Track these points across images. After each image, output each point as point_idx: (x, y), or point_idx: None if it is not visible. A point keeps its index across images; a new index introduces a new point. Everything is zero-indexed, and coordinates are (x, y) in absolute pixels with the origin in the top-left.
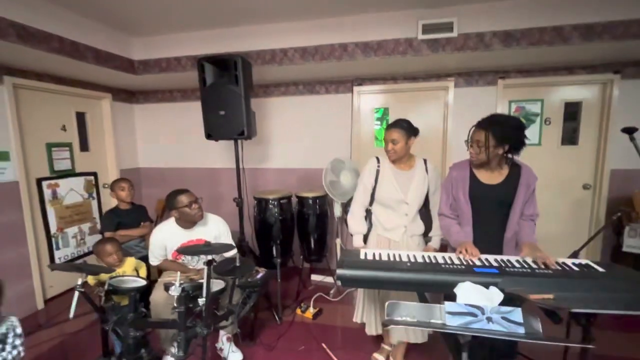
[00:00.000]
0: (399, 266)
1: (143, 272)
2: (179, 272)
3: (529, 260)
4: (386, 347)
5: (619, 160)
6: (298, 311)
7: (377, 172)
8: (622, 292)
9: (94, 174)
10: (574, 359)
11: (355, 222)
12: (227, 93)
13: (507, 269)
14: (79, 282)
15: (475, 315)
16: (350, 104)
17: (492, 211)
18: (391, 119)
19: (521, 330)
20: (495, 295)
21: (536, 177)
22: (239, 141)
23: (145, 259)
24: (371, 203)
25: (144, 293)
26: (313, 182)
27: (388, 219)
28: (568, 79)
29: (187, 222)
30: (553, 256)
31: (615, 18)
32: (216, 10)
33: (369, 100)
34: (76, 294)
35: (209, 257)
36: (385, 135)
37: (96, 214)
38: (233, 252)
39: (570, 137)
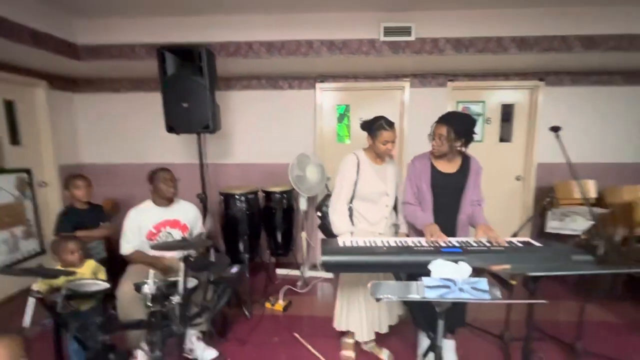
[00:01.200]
0: (376, 250)
1: (102, 276)
2: (151, 271)
3: (484, 239)
4: (349, 340)
5: (544, 155)
6: (268, 305)
7: (358, 167)
8: (557, 260)
9: (28, 171)
10: (512, 326)
11: (342, 221)
12: (190, 85)
13: (469, 248)
14: (34, 287)
15: (449, 287)
16: (313, 100)
17: (448, 197)
18: (352, 116)
19: (487, 296)
20: (464, 269)
21: (481, 166)
22: (202, 135)
23: (104, 261)
24: (351, 200)
25: (106, 296)
26: (277, 177)
27: (371, 213)
28: (504, 83)
29: (161, 199)
30: (501, 236)
31: (543, 33)
32: None
33: (331, 97)
34: (31, 300)
35: (185, 253)
36: (387, 136)
37: (31, 216)
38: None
39: (506, 134)
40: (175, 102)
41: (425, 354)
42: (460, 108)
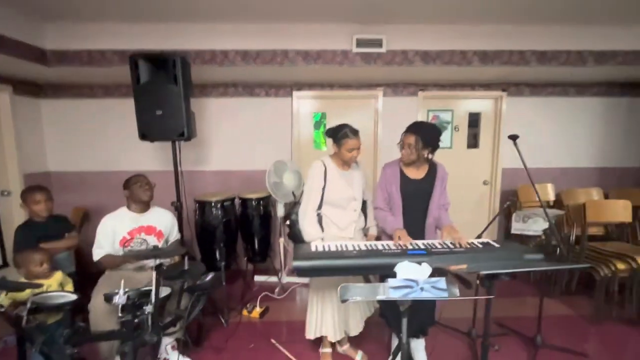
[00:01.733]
0: (347, 254)
1: (70, 287)
2: (122, 280)
3: (448, 241)
4: (326, 350)
5: (508, 160)
6: (245, 312)
7: (325, 173)
8: (511, 259)
9: None
10: (478, 323)
11: (313, 228)
12: (164, 92)
13: (432, 250)
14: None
15: (411, 287)
16: (290, 107)
17: (417, 202)
18: (328, 123)
19: (445, 294)
20: (425, 270)
21: (447, 172)
22: (177, 142)
23: (73, 276)
24: (320, 207)
25: (75, 309)
26: (255, 184)
27: (340, 218)
28: (471, 93)
29: (137, 203)
30: (465, 238)
31: (503, 48)
32: (149, 3)
33: (307, 104)
34: None
35: (157, 262)
36: (352, 144)
37: None
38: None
39: (473, 141)
40: (149, 109)
41: (394, 353)
42: (430, 116)
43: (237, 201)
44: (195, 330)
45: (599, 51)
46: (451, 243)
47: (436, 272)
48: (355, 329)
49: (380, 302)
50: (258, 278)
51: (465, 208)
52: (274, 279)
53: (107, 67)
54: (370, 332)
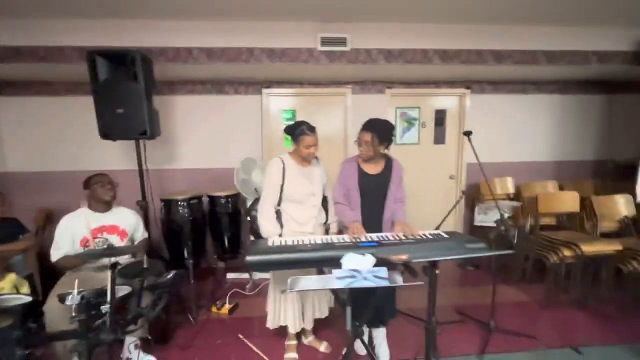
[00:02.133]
0: (300, 248)
1: (25, 290)
2: (77, 280)
3: (401, 234)
4: (291, 342)
5: (472, 155)
6: (214, 309)
7: (283, 170)
8: (454, 248)
9: None
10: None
11: (270, 224)
12: (125, 90)
13: (383, 242)
14: None
15: (355, 277)
16: (260, 105)
17: (374, 196)
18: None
19: (386, 282)
20: (368, 260)
21: (402, 167)
22: (141, 141)
23: (29, 278)
24: (279, 203)
25: (31, 311)
26: (225, 181)
27: (299, 214)
28: (436, 91)
29: (98, 203)
30: (418, 230)
31: (462, 47)
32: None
33: (277, 101)
34: None
35: (113, 260)
36: (310, 141)
37: None
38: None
39: (439, 137)
40: (109, 107)
41: (350, 343)
42: (398, 113)
43: (205, 199)
44: (160, 328)
45: (550, 51)
46: (403, 235)
47: (383, 263)
48: (323, 311)
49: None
50: (230, 275)
51: (433, 202)
52: (246, 275)
53: (66, 64)
54: (334, 324)
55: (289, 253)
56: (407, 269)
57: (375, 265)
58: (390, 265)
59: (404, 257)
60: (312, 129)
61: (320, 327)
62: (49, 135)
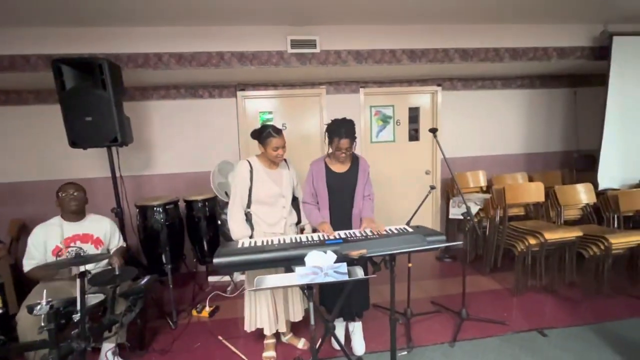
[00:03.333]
0: (268, 248)
1: None
2: (45, 291)
3: (368, 230)
4: (270, 341)
5: (446, 151)
6: (194, 312)
7: (251, 173)
8: (414, 242)
9: None
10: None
11: (239, 226)
12: (93, 98)
13: (349, 239)
14: None
15: (316, 273)
16: (235, 107)
17: (342, 194)
18: (276, 122)
19: (345, 277)
20: (330, 257)
21: (369, 165)
22: (115, 148)
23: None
24: (249, 205)
25: (2, 323)
26: (203, 185)
27: (269, 215)
28: (409, 89)
29: (68, 213)
30: (385, 225)
31: (428, 46)
32: (73, 7)
33: (254, 104)
34: None
35: (82, 269)
36: (277, 143)
37: None
38: (122, 243)
39: (414, 134)
40: (77, 116)
41: (325, 334)
42: (373, 112)
43: (181, 204)
44: (138, 334)
45: (514, 48)
46: (370, 231)
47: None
48: (297, 314)
49: (320, 291)
50: (212, 278)
51: (410, 197)
52: (227, 278)
53: (32, 73)
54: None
55: (257, 254)
56: (371, 262)
57: (338, 261)
58: (356, 261)
59: (362, 251)
60: (278, 131)
61: (298, 324)
62: (19, 146)
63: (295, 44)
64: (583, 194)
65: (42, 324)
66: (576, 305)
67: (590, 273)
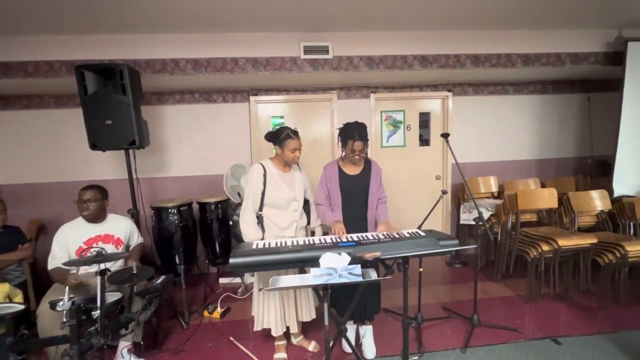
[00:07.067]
0: (283, 249)
1: (18, 299)
2: (67, 288)
3: (381, 233)
4: (281, 342)
5: (457, 156)
6: (205, 313)
7: (265, 177)
8: (427, 245)
9: None
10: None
11: (251, 230)
12: (113, 102)
13: (363, 241)
14: None
15: (331, 274)
16: (248, 112)
17: (356, 196)
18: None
19: (360, 278)
20: (344, 259)
21: (380, 168)
22: (131, 151)
23: (23, 285)
24: (261, 208)
25: (24, 318)
26: (215, 187)
27: (281, 219)
28: (420, 94)
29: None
30: (400, 229)
31: (440, 52)
32: (94, 16)
33: (266, 108)
34: None
35: (102, 267)
36: (295, 144)
37: None
38: (140, 240)
39: (424, 139)
40: (98, 119)
41: (335, 338)
42: (383, 117)
43: (195, 206)
44: (152, 333)
45: (526, 54)
46: (382, 234)
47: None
48: (306, 315)
49: (331, 293)
50: (223, 280)
51: (420, 202)
52: (238, 280)
53: (55, 78)
54: (323, 323)
55: (272, 254)
56: (383, 265)
57: (351, 263)
58: (369, 264)
59: (376, 254)
60: (295, 133)
61: (309, 326)
62: (39, 148)
63: (308, 49)
64: (598, 200)
65: (64, 320)
66: (592, 314)
67: (606, 281)
